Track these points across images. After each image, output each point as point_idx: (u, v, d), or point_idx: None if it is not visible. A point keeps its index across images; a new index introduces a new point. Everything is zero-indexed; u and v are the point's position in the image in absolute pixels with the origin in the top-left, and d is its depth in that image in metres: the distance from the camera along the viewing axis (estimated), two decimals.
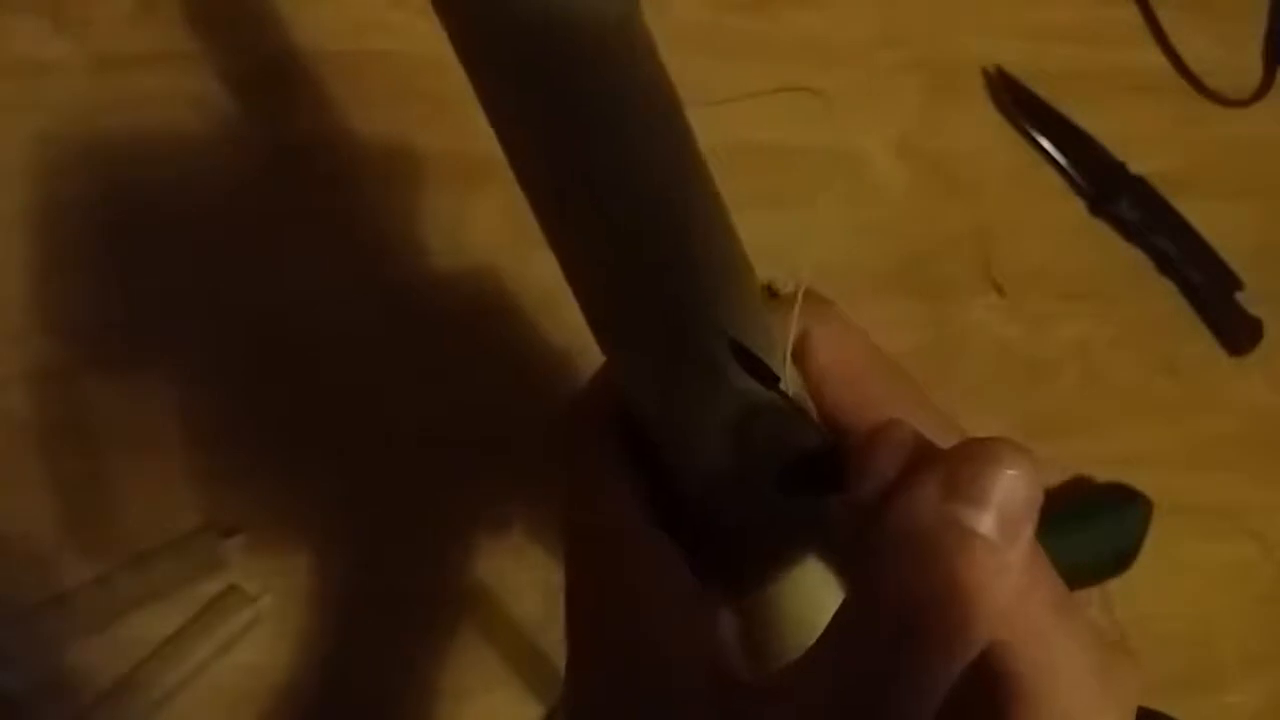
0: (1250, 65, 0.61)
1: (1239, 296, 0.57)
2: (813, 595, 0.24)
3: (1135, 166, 0.57)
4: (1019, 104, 0.56)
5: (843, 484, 0.21)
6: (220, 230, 0.49)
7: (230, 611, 0.44)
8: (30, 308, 0.46)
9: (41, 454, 0.45)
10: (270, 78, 0.50)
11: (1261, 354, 0.58)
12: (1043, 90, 0.57)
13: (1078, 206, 0.57)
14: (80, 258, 0.48)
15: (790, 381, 0.24)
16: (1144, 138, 0.58)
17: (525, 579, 0.47)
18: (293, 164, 0.50)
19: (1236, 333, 0.57)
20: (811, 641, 0.22)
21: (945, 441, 0.20)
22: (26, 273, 0.47)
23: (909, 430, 0.21)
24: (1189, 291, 0.58)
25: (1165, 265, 0.57)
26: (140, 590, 0.44)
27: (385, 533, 0.47)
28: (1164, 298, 0.58)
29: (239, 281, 0.48)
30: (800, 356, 0.25)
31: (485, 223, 0.51)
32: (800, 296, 0.24)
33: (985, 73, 0.57)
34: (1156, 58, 0.60)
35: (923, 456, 0.20)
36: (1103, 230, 0.58)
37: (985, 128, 0.57)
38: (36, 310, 0.46)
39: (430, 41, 0.53)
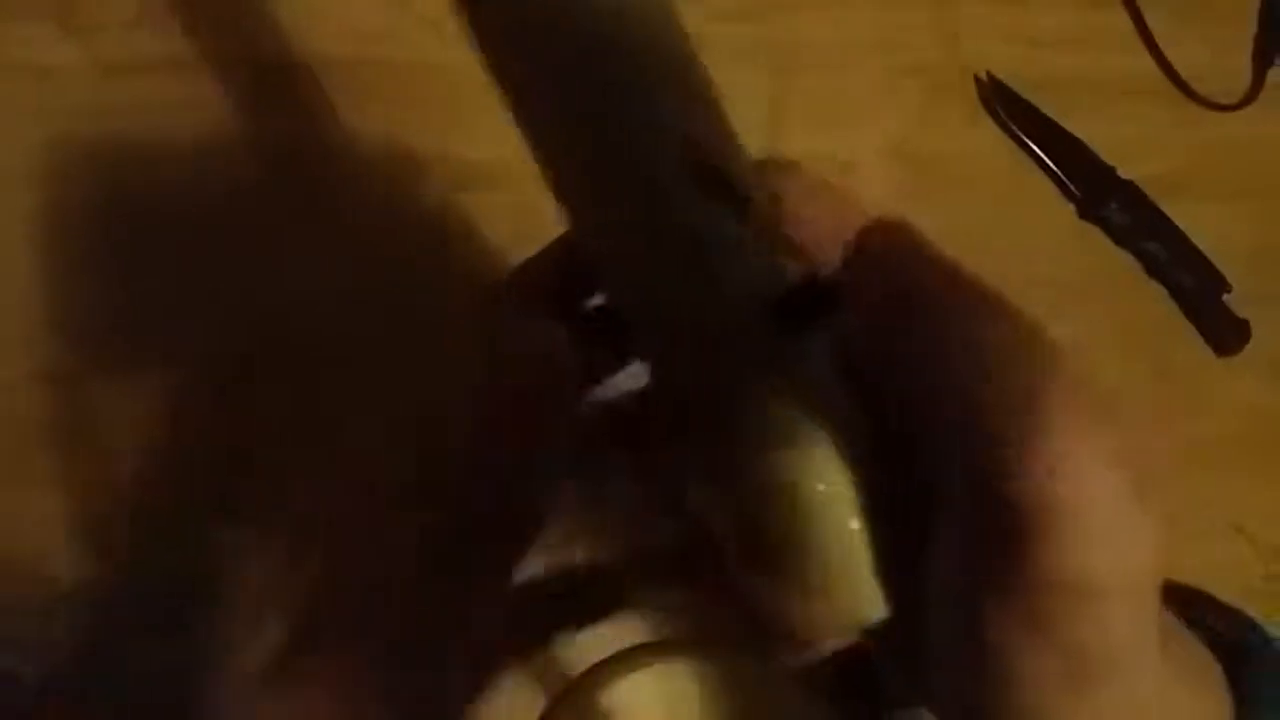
0: (1240, 69, 0.61)
1: (1227, 299, 0.58)
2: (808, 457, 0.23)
3: (1125, 171, 0.58)
4: (1010, 109, 0.57)
5: (840, 304, 0.20)
6: (225, 233, 0.49)
7: None
8: (36, 310, 0.47)
9: (49, 454, 0.46)
10: (274, 83, 0.51)
11: (1250, 355, 0.58)
12: (1033, 95, 0.57)
13: (1068, 211, 0.58)
14: (86, 261, 0.48)
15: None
16: (1134, 142, 0.58)
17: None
18: (296, 168, 0.51)
19: (1225, 335, 0.58)
20: (810, 513, 0.21)
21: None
22: (33, 276, 0.47)
23: (901, 229, 0.19)
24: (1178, 294, 0.58)
25: (1154, 268, 0.58)
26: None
27: None
28: (1153, 301, 0.59)
29: (243, 284, 0.49)
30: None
31: (485, 225, 0.51)
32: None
33: (977, 78, 0.57)
34: (1146, 63, 0.60)
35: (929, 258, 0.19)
36: (1092, 234, 0.58)
37: (976, 133, 0.57)
38: (43, 313, 0.47)
39: (428, 48, 0.54)
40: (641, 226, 0.23)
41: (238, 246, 0.49)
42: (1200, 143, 0.60)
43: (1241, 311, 0.58)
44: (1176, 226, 0.58)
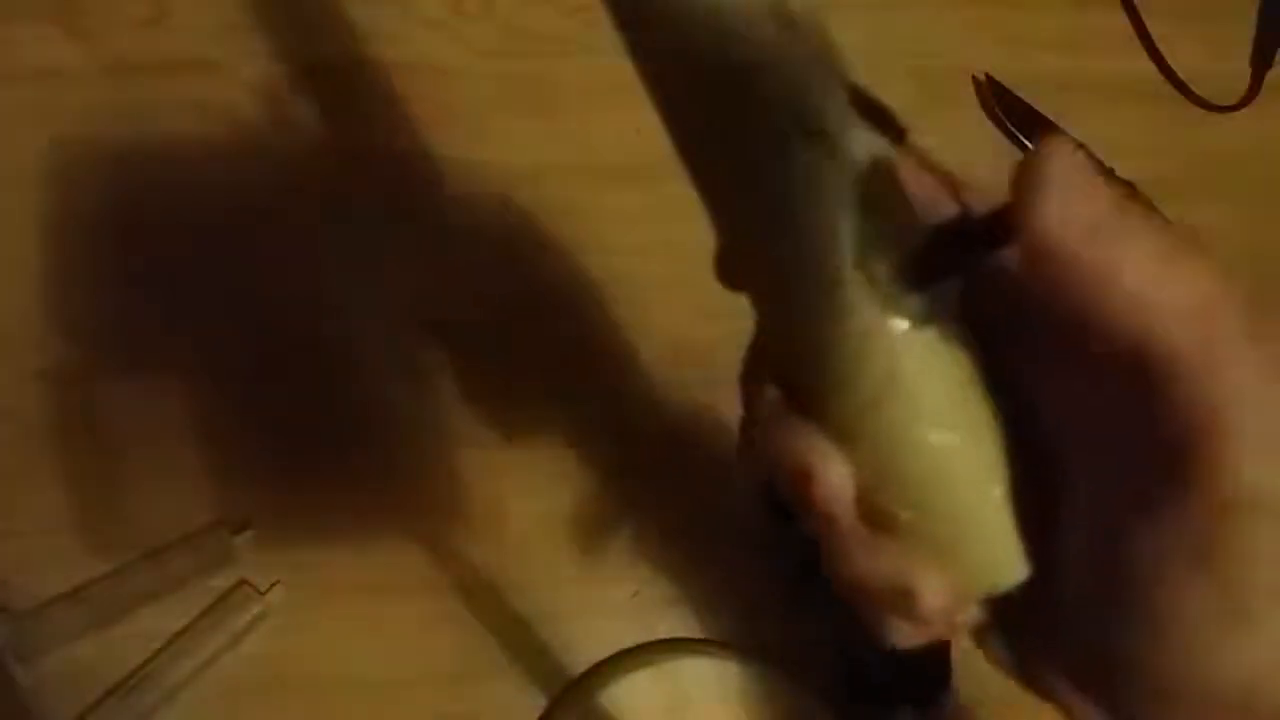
0: (1238, 71, 0.62)
1: None
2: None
3: (1124, 171, 0.58)
4: (1008, 110, 0.57)
5: (989, 246, 0.20)
6: (228, 234, 0.50)
7: (240, 605, 0.45)
8: (44, 310, 0.47)
9: (56, 452, 0.46)
10: (278, 86, 0.51)
11: None
12: (1032, 97, 0.58)
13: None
14: (92, 262, 0.49)
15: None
16: (1132, 143, 0.59)
17: (529, 573, 0.47)
18: (299, 169, 0.51)
19: None
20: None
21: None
22: (39, 276, 0.48)
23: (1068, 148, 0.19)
24: None
25: None
26: (152, 585, 0.44)
27: (391, 527, 0.47)
28: None
29: (247, 283, 0.49)
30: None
31: (491, 226, 0.52)
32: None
33: (975, 79, 0.58)
34: (1145, 64, 0.61)
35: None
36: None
37: (974, 134, 0.58)
38: (50, 313, 0.47)
39: (438, 52, 0.55)
40: (805, 167, 0.22)
41: (240, 247, 0.50)
42: (1199, 143, 0.60)
43: None
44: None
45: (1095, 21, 0.61)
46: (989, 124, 0.58)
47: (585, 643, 0.46)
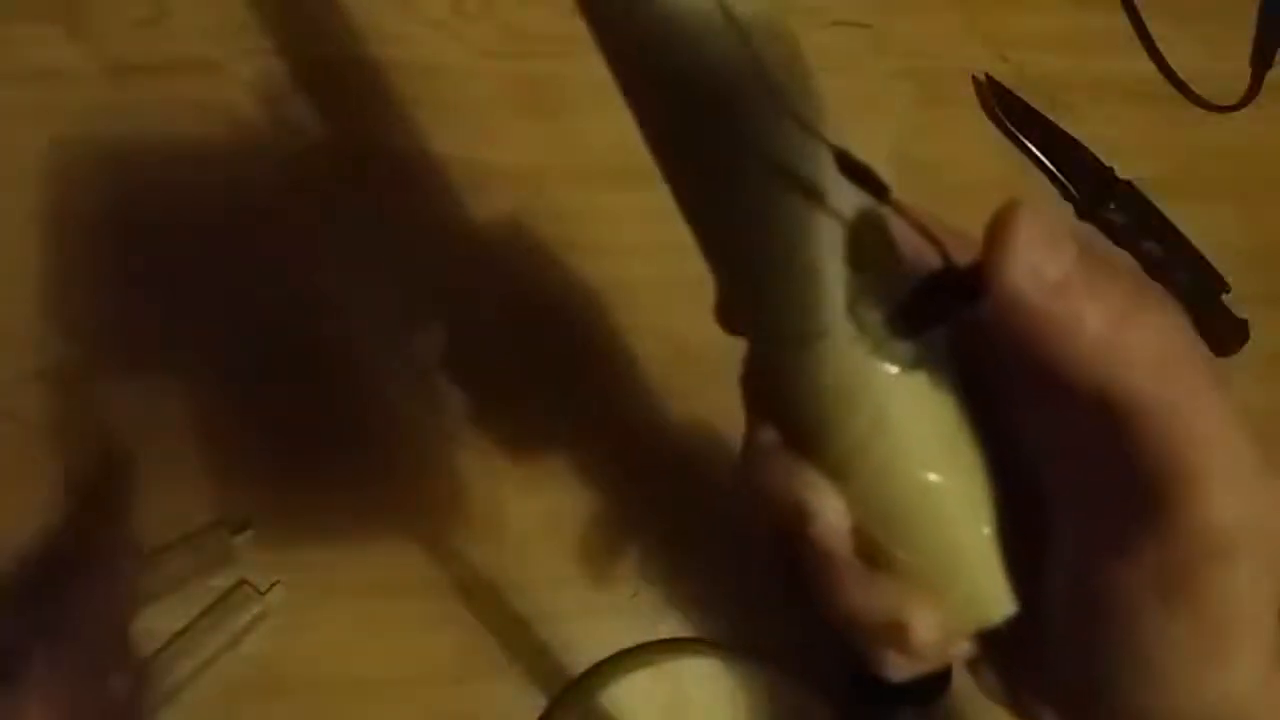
0: (1238, 70, 0.62)
1: (1226, 299, 0.58)
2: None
3: (1124, 171, 0.58)
4: (1008, 110, 0.57)
5: (973, 296, 0.21)
6: (229, 234, 0.50)
7: (240, 605, 0.45)
8: (43, 310, 0.47)
9: (55, 453, 0.46)
10: (280, 86, 0.51)
11: (1248, 355, 0.58)
12: (1032, 97, 0.58)
13: (1067, 211, 0.58)
14: (91, 261, 0.49)
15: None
16: (1133, 143, 0.59)
17: (529, 574, 0.47)
18: (300, 170, 0.51)
19: (1224, 334, 0.58)
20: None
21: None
22: (39, 276, 0.48)
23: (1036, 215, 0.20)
24: (1176, 294, 0.58)
25: (1153, 268, 0.58)
26: (152, 585, 0.44)
27: (391, 527, 0.47)
28: None
29: (247, 283, 0.49)
30: None
31: (491, 227, 0.52)
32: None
33: (975, 80, 0.58)
34: (1145, 64, 0.61)
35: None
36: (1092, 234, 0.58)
37: (975, 134, 0.58)
38: (50, 313, 0.47)
39: (438, 52, 0.55)
40: (792, 219, 0.23)
41: (240, 247, 0.50)
42: (1199, 143, 0.60)
43: (1240, 311, 0.58)
44: (1175, 226, 0.58)
45: (1095, 21, 0.61)
46: (989, 124, 0.58)
47: (585, 643, 0.47)
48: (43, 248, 0.48)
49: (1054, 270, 0.20)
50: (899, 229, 0.24)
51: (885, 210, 0.23)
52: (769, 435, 0.25)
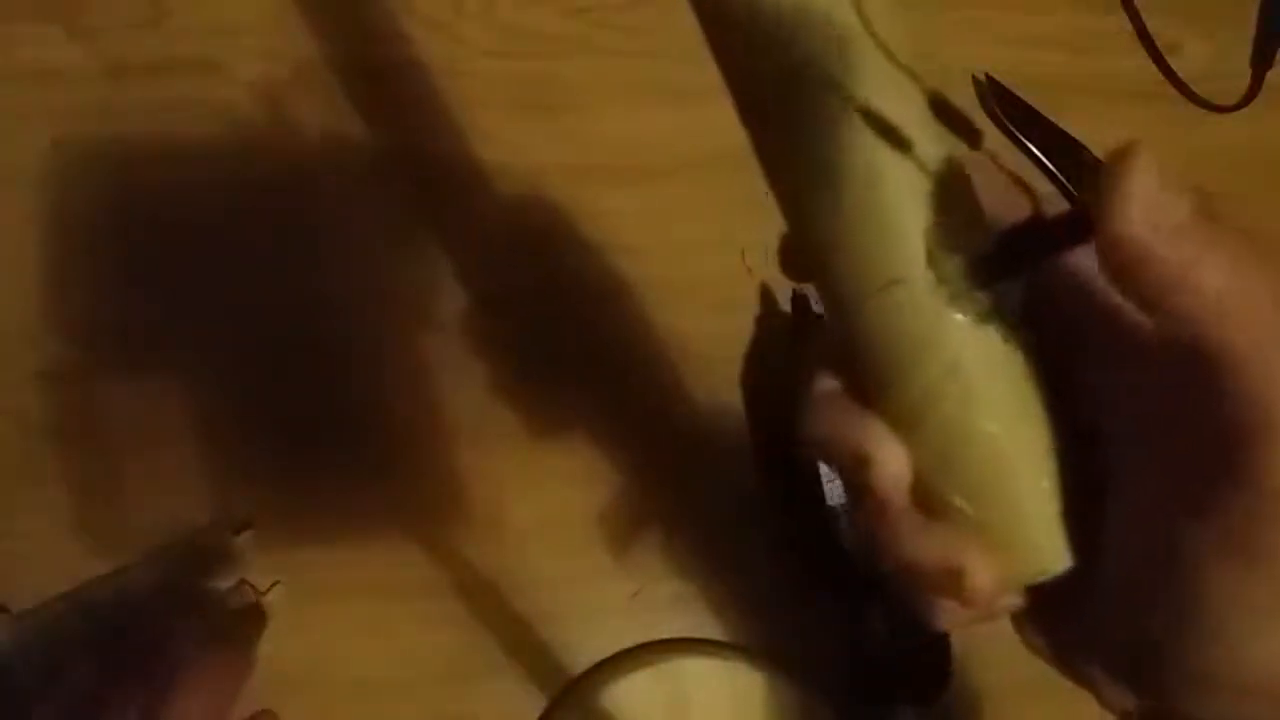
0: (1238, 71, 0.62)
1: None
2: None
3: None
4: (1008, 110, 0.57)
5: (1059, 246, 0.21)
6: (229, 234, 0.50)
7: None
8: (43, 310, 0.47)
9: (55, 452, 0.46)
10: (278, 86, 0.51)
11: None
12: (1032, 97, 0.58)
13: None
14: (91, 261, 0.49)
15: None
16: None
17: (529, 574, 0.47)
18: (300, 170, 0.51)
19: None
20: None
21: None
22: (38, 276, 0.48)
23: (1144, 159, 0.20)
24: None
25: None
26: (153, 585, 0.45)
27: (391, 527, 0.47)
28: None
29: (247, 283, 0.49)
30: None
31: (491, 226, 0.52)
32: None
33: (975, 79, 0.58)
34: (1145, 64, 0.61)
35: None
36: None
37: None
38: (49, 312, 0.47)
39: (438, 52, 0.55)
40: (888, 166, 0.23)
41: (240, 247, 0.50)
42: (1199, 143, 0.60)
43: None
44: None
45: (1095, 21, 0.61)
46: (989, 124, 0.58)
47: (585, 643, 0.47)
48: (42, 248, 0.48)
49: (1172, 216, 0.20)
50: (979, 181, 0.24)
51: (965, 163, 0.23)
52: (829, 384, 0.25)
